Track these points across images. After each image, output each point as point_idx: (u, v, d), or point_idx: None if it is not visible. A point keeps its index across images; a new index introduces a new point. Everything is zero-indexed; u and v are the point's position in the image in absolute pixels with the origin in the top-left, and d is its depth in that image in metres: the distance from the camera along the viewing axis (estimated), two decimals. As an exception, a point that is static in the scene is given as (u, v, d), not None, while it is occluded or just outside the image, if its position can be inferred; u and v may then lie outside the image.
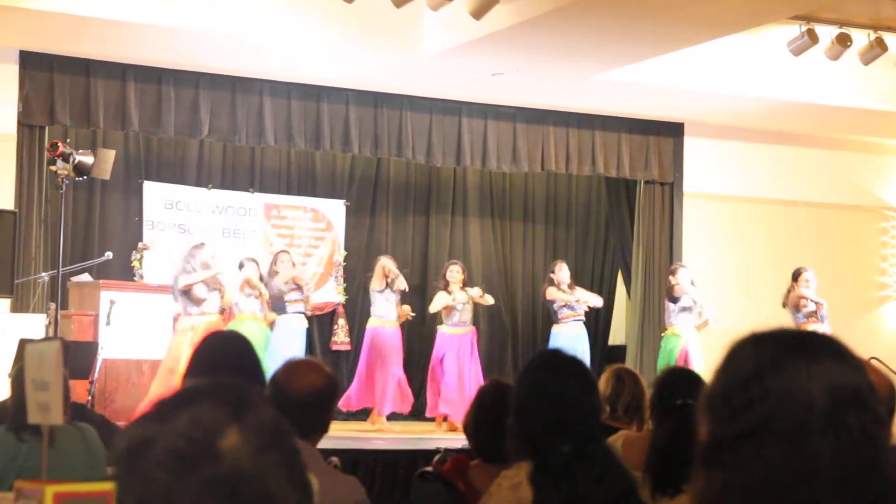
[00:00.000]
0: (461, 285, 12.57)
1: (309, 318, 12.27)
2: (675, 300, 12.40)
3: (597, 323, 14.48)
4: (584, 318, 12.84)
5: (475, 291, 12.66)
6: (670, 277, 12.58)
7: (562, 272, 12.80)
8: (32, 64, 11.43)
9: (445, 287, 12.57)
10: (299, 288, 11.94)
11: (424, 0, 10.32)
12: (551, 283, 12.79)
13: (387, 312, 12.28)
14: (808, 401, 1.63)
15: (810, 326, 11.98)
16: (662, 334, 12.68)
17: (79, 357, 8.84)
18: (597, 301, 13.07)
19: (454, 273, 12.56)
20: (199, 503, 1.36)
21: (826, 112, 13.17)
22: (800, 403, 1.63)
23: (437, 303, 12.62)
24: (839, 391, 1.64)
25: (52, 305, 10.19)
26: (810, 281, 12.46)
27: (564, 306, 12.72)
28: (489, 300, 12.86)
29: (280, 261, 12.02)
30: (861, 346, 1.82)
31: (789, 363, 1.66)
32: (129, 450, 1.41)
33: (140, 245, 12.79)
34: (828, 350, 1.69)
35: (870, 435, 1.63)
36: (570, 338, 12.39)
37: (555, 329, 12.84)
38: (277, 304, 11.86)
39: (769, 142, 14.29)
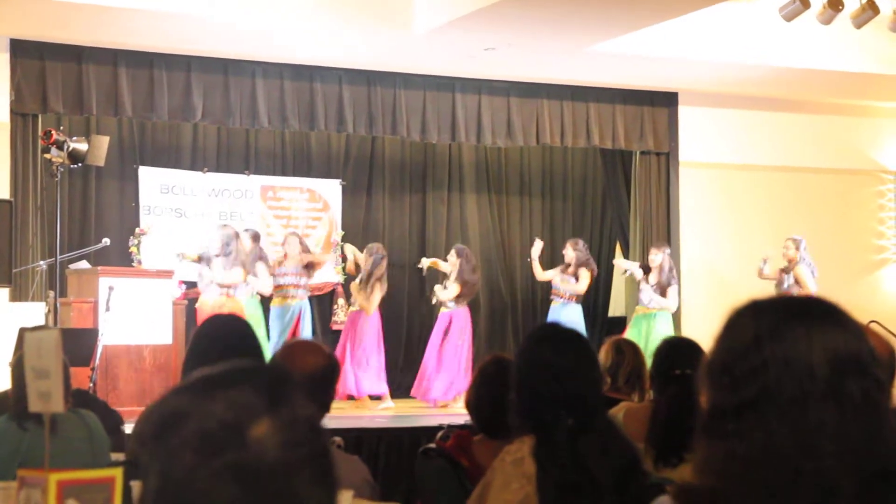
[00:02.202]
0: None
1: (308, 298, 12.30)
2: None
3: (596, 295, 14.46)
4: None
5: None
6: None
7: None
8: (23, 52, 11.38)
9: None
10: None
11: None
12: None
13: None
14: (809, 368, 1.62)
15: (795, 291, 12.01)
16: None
17: (79, 344, 8.83)
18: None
19: None
20: (219, 486, 1.36)
21: (819, 77, 13.14)
22: (800, 371, 1.62)
23: None
24: (840, 358, 1.63)
25: (51, 293, 10.17)
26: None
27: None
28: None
29: (289, 243, 12.09)
30: (859, 309, 1.81)
31: (789, 331, 1.65)
32: (163, 420, 1.40)
33: (137, 230, 12.79)
34: (827, 316, 1.68)
35: (871, 401, 1.63)
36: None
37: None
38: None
39: (763, 108, 14.25)
